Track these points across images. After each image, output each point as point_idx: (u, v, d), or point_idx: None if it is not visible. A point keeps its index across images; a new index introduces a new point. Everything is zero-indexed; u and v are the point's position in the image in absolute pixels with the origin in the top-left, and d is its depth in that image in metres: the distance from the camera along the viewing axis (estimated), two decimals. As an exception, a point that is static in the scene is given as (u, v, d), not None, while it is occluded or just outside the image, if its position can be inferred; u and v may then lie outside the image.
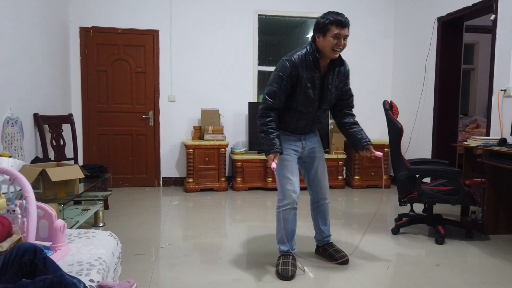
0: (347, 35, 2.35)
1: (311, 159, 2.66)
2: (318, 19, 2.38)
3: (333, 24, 2.30)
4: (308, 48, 2.41)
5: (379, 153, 2.51)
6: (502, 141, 3.26)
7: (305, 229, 3.31)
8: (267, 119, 2.40)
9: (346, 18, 2.36)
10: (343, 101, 2.66)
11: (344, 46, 2.36)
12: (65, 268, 1.45)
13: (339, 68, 2.51)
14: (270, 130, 2.37)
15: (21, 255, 1.27)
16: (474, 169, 3.78)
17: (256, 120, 2.46)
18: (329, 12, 2.37)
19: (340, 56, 2.46)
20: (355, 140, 2.59)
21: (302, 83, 2.37)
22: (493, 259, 2.81)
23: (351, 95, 2.71)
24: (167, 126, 5.27)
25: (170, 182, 5.34)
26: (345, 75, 2.59)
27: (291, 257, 2.53)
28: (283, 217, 2.53)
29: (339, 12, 2.38)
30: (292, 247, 2.59)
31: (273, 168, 2.35)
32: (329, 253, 2.73)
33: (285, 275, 2.42)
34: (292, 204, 2.51)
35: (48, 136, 3.88)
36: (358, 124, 2.65)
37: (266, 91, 2.44)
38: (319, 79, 2.41)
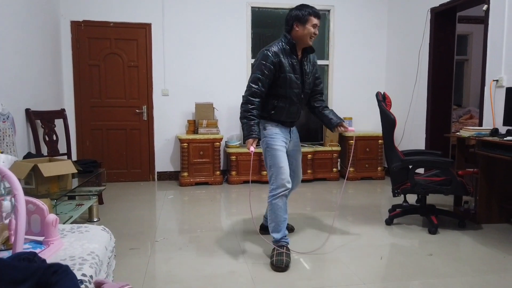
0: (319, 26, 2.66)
1: (294, 152, 2.85)
2: (295, 11, 2.61)
3: (312, 15, 2.58)
4: (283, 39, 2.64)
5: (351, 128, 2.75)
6: (494, 131, 3.28)
7: (294, 221, 3.32)
8: (251, 107, 2.58)
9: None
10: (315, 87, 2.88)
11: (316, 35, 2.66)
12: (58, 263, 1.45)
13: (310, 55, 2.77)
14: (251, 117, 2.57)
15: (21, 253, 1.30)
16: (467, 159, 3.80)
17: (240, 106, 2.63)
18: (304, 5, 2.63)
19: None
20: (328, 120, 2.82)
21: (286, 69, 2.58)
22: (485, 248, 2.84)
23: (321, 82, 2.95)
24: (161, 120, 5.25)
25: (164, 176, 5.33)
26: (315, 62, 2.84)
27: (285, 247, 2.58)
28: (276, 205, 2.61)
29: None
30: (285, 235, 2.66)
31: (252, 151, 2.55)
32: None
33: (280, 265, 2.46)
34: (285, 191, 2.61)
35: (40, 131, 3.85)
36: (328, 107, 2.92)
37: (250, 79, 2.62)
38: (298, 64, 2.65)
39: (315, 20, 2.58)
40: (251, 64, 5.39)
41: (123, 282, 1.56)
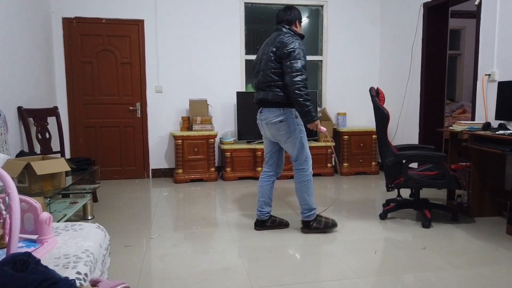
0: None
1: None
2: (297, 12, 3.01)
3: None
4: (291, 31, 2.96)
5: (324, 129, 2.97)
6: (487, 125, 3.31)
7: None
8: (307, 91, 2.81)
9: None
10: None
11: None
12: (52, 261, 1.45)
13: None
14: (311, 100, 2.82)
15: (15, 255, 1.29)
16: (460, 153, 3.83)
17: (298, 90, 2.76)
18: (294, 7, 3.04)
19: None
20: None
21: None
22: (478, 241, 2.87)
23: None
24: (155, 117, 5.23)
25: (159, 173, 5.32)
26: None
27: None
28: (311, 182, 3.03)
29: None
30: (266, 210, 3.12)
31: (324, 130, 2.90)
32: (278, 222, 3.17)
33: (334, 223, 3.07)
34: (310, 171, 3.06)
35: (33, 129, 3.82)
36: None
37: (301, 64, 2.79)
38: None
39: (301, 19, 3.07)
40: (245, 60, 5.39)
41: (118, 280, 1.56)
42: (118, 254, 2.63)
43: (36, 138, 3.84)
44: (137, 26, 5.07)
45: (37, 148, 3.87)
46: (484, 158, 3.36)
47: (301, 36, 2.98)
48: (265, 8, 5.49)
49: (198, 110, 5.02)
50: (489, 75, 3.69)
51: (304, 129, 2.98)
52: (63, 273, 1.35)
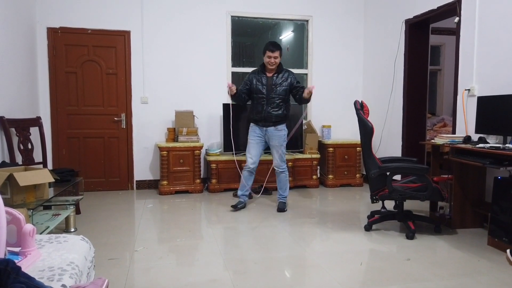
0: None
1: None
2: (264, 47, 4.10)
3: (267, 50, 4.00)
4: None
5: (310, 88, 3.88)
6: (467, 139, 3.40)
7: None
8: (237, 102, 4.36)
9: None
10: (294, 89, 4.08)
11: (273, 62, 3.99)
12: (36, 274, 1.42)
13: (283, 72, 4.11)
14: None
15: None
16: (442, 166, 3.92)
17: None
18: (268, 43, 4.07)
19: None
20: (300, 95, 4.00)
21: (253, 82, 4.15)
22: (460, 252, 2.93)
23: (300, 85, 4.10)
24: (140, 128, 5.20)
25: (144, 185, 5.26)
26: (287, 76, 4.09)
27: (241, 200, 4.16)
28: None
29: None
30: (244, 194, 4.19)
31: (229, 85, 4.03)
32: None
33: (234, 206, 4.06)
34: (246, 166, 4.15)
35: (15, 140, 3.75)
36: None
37: None
38: (266, 79, 4.10)
39: (269, 53, 3.95)
40: (231, 72, 5.43)
41: (98, 279, 1.51)
42: (102, 267, 2.58)
43: (18, 149, 3.77)
44: (123, 37, 5.06)
45: (19, 158, 3.79)
46: (465, 171, 3.45)
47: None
48: (251, 21, 5.56)
49: (184, 122, 5.01)
50: (468, 90, 3.81)
51: (249, 135, 4.16)
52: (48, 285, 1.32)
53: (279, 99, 4.00)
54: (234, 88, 3.97)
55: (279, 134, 4.07)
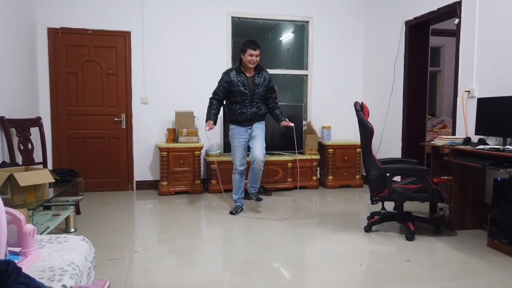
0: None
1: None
2: (241, 46, 3.96)
3: (248, 47, 3.85)
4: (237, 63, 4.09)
5: (291, 124, 3.97)
6: (467, 140, 3.40)
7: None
8: (210, 103, 4.14)
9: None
10: (268, 94, 4.06)
11: (253, 61, 3.86)
12: (37, 274, 1.42)
13: (262, 71, 4.02)
14: (210, 107, 4.10)
15: None
16: (441, 167, 3.92)
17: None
18: (247, 41, 3.91)
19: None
20: (276, 116, 4.05)
21: (234, 83, 3.98)
22: (460, 253, 2.93)
23: (274, 91, 4.13)
24: (140, 129, 5.20)
25: (144, 185, 5.26)
26: (266, 77, 4.00)
27: (241, 207, 4.10)
28: (233, 178, 4.13)
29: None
30: (240, 197, 4.11)
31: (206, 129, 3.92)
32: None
33: (234, 212, 4.00)
34: (236, 170, 4.07)
35: (15, 140, 3.75)
36: (279, 107, 4.12)
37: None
38: (246, 79, 3.99)
39: (251, 51, 3.79)
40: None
41: (99, 281, 1.52)
42: (102, 267, 2.58)
43: (18, 149, 3.77)
44: (123, 37, 5.07)
45: (19, 159, 3.79)
46: (465, 172, 3.45)
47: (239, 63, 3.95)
48: (251, 22, 5.56)
49: (184, 122, 5.01)
50: (468, 91, 3.81)
51: (230, 138, 4.07)
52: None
53: (260, 100, 3.99)
54: (211, 124, 3.89)
55: (263, 126, 4.05)
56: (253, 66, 3.87)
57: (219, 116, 5.35)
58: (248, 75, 3.92)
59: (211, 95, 4.01)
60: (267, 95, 4.03)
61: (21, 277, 1.22)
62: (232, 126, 4.03)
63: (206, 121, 3.91)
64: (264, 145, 3.99)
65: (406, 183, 3.45)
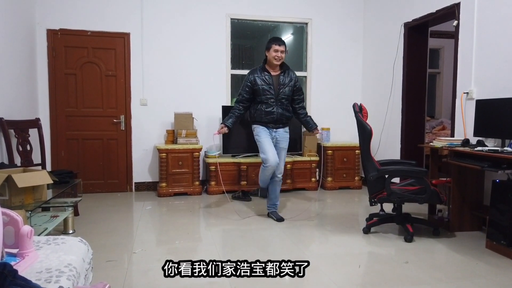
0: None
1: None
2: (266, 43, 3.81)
3: (273, 43, 3.70)
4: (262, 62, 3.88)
5: (318, 131, 4.03)
6: (466, 142, 3.41)
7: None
8: (236, 105, 3.94)
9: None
10: (295, 96, 3.90)
11: (279, 57, 3.71)
12: (34, 276, 1.42)
13: (288, 71, 3.85)
14: (232, 111, 3.91)
15: None
16: (440, 169, 3.93)
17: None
18: (271, 38, 3.79)
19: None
20: (308, 124, 3.98)
21: (258, 82, 3.83)
22: (458, 255, 2.93)
23: (301, 93, 3.96)
24: (139, 130, 5.20)
25: (142, 187, 5.26)
26: (292, 77, 3.85)
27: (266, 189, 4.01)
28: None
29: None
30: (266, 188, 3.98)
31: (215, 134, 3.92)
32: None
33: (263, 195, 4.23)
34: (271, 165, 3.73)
35: (14, 141, 3.75)
36: (309, 115, 4.03)
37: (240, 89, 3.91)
38: (271, 78, 3.81)
39: (276, 47, 3.66)
40: (230, 74, 5.44)
41: (99, 283, 1.52)
42: (100, 269, 2.58)
43: (17, 150, 3.77)
44: (123, 39, 5.07)
45: (18, 160, 3.78)
46: (463, 174, 3.45)
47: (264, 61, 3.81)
48: (250, 24, 5.57)
49: (183, 123, 5.01)
50: (467, 93, 3.82)
51: (257, 136, 3.81)
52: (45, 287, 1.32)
53: (287, 100, 3.78)
54: (225, 128, 3.74)
55: (288, 136, 3.89)
56: (279, 63, 3.69)
57: (218, 117, 5.42)
58: (273, 73, 3.74)
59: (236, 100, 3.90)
60: (294, 96, 3.84)
61: (17, 279, 1.22)
62: (255, 125, 3.81)
63: (220, 124, 3.86)
64: (285, 159, 3.92)
65: (405, 185, 3.45)
